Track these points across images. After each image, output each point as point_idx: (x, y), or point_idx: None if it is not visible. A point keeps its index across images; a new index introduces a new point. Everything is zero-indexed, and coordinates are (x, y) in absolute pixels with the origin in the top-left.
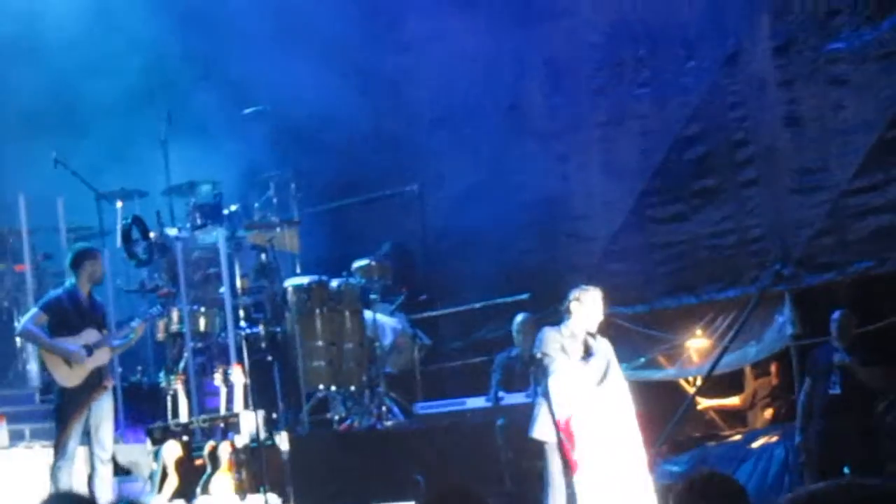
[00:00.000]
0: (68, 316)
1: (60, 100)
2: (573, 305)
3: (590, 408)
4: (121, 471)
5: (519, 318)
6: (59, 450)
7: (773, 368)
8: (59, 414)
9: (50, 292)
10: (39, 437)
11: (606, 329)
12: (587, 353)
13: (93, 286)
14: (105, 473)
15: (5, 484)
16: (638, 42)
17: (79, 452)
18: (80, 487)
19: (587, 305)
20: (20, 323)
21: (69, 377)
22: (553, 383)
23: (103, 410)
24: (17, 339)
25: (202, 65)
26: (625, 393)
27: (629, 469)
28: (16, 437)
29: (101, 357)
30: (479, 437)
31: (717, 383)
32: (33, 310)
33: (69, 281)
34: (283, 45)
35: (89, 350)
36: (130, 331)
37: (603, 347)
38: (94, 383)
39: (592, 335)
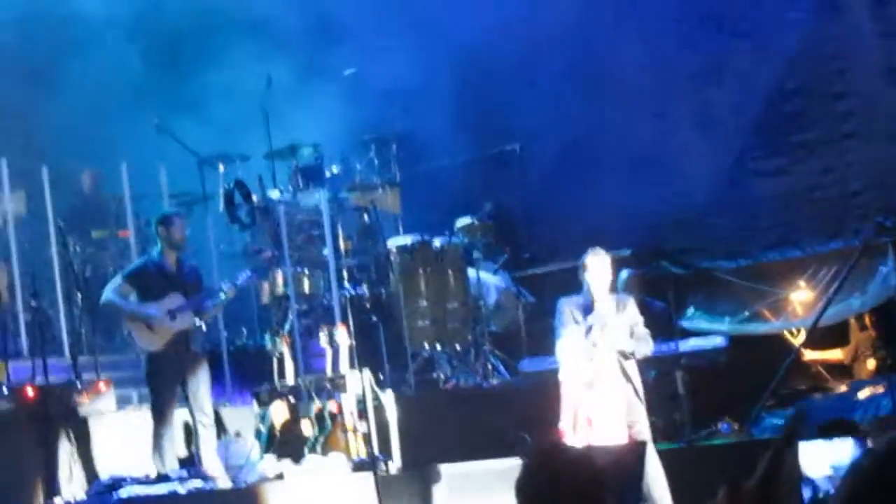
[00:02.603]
0: (152, 282)
1: (162, 66)
2: (581, 272)
3: (583, 377)
4: (228, 433)
5: (623, 274)
6: (157, 415)
7: (867, 321)
8: (151, 380)
9: (135, 261)
10: (146, 402)
11: (709, 283)
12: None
13: (178, 251)
14: (208, 437)
15: (114, 448)
16: None
17: (183, 416)
18: (182, 452)
19: (591, 270)
20: (105, 293)
21: (152, 341)
22: (557, 351)
23: (199, 376)
24: None
25: (301, 27)
26: (630, 359)
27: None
28: (123, 402)
29: (186, 321)
30: None
31: (822, 337)
32: (117, 280)
33: (155, 248)
34: (381, 6)
35: (172, 314)
36: (220, 294)
37: (606, 311)
38: (180, 347)
39: (612, 298)
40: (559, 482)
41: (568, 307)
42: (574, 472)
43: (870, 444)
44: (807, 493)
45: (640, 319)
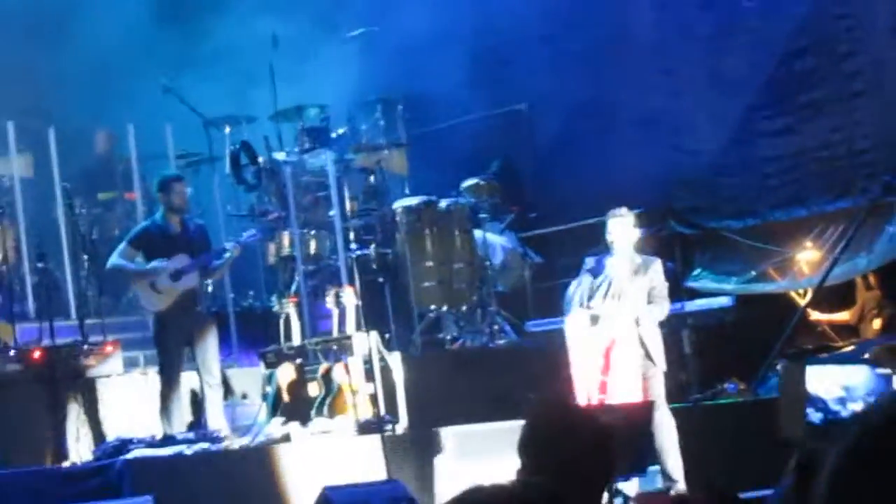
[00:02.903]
0: (156, 244)
1: (169, 26)
2: (606, 233)
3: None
4: (235, 395)
5: None
6: (164, 375)
7: (872, 280)
8: (158, 340)
9: (139, 224)
10: (153, 364)
11: (716, 243)
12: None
13: (179, 214)
14: (214, 398)
15: (121, 409)
16: None
17: (190, 378)
18: (189, 413)
19: (611, 232)
20: (111, 258)
21: (158, 302)
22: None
23: (206, 336)
24: None
25: None
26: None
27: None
28: (130, 364)
29: (191, 280)
30: None
31: (829, 297)
32: (122, 244)
33: (158, 210)
34: None
35: (177, 274)
36: (225, 253)
37: (618, 274)
38: (186, 306)
39: (633, 260)
40: (561, 439)
41: (574, 287)
42: (578, 429)
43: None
44: (818, 416)
45: (659, 282)
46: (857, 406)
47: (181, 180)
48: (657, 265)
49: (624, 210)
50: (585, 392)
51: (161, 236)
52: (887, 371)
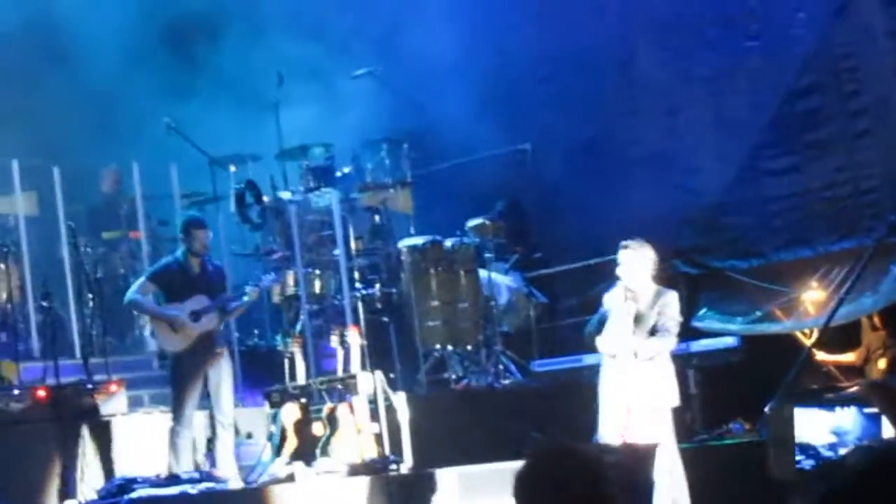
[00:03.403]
0: (176, 283)
1: (174, 66)
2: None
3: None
4: (240, 434)
5: None
6: (177, 415)
7: (877, 321)
8: (174, 379)
9: (161, 260)
10: (158, 403)
11: (721, 283)
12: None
13: (199, 256)
14: (226, 438)
15: (126, 449)
16: None
17: (200, 418)
18: (200, 452)
19: (620, 264)
20: (128, 292)
21: (176, 342)
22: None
23: (221, 376)
24: None
25: (312, 26)
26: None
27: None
28: (135, 403)
29: (210, 322)
30: (597, 395)
31: (834, 338)
32: (141, 279)
33: (181, 248)
34: (392, 5)
35: (196, 315)
36: (243, 296)
37: (622, 304)
38: (204, 348)
39: (648, 290)
40: (557, 484)
41: (607, 304)
42: (575, 475)
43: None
44: (809, 463)
45: (666, 315)
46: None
47: (203, 227)
48: (667, 297)
49: (630, 241)
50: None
51: (181, 274)
52: (874, 410)
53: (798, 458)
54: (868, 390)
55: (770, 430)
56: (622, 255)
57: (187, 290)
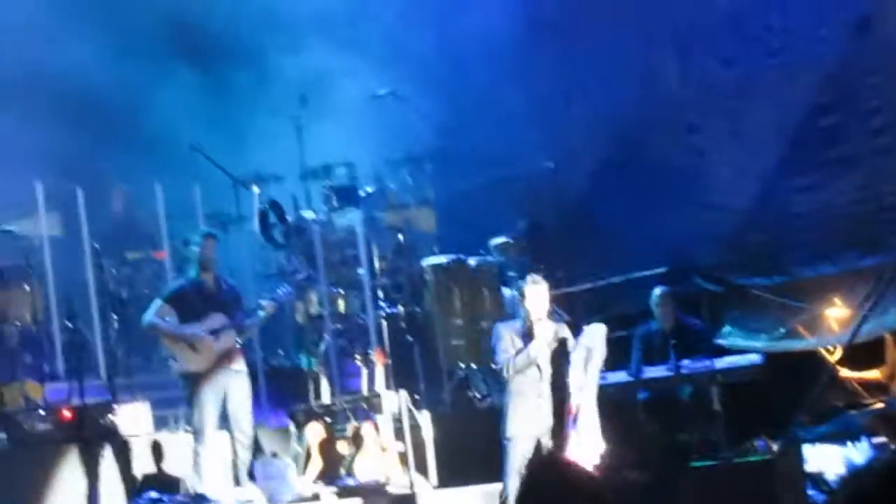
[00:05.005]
0: (191, 302)
1: (198, 86)
2: (519, 300)
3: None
4: (264, 453)
5: (658, 291)
6: (197, 435)
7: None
8: (192, 398)
9: (173, 282)
10: (183, 423)
11: (745, 300)
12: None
13: (209, 270)
14: (245, 458)
15: (151, 468)
16: (769, 11)
17: (223, 436)
18: (223, 472)
19: (528, 298)
20: (144, 315)
21: (196, 361)
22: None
23: (240, 394)
24: None
25: (335, 46)
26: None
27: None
28: (160, 423)
29: (228, 340)
30: (620, 412)
31: (859, 355)
32: (157, 302)
33: (192, 269)
34: (411, 25)
35: (216, 333)
36: (259, 311)
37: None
38: (222, 365)
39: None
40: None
41: (507, 332)
42: (572, 491)
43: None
44: (821, 498)
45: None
46: None
47: (213, 238)
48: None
49: (538, 277)
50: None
51: (196, 295)
52: (883, 440)
53: (810, 492)
54: (875, 422)
55: (778, 467)
56: (536, 291)
57: (204, 309)
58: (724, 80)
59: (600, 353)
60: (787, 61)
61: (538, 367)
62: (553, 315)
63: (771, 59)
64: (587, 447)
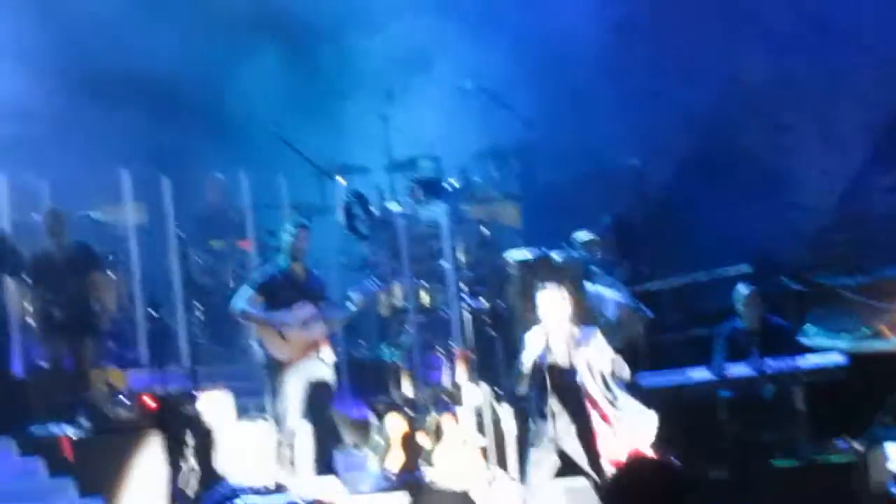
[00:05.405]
0: (281, 291)
1: (284, 79)
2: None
3: None
4: (346, 444)
5: (745, 290)
6: (281, 423)
7: None
8: (277, 388)
9: (262, 269)
10: (265, 411)
11: (828, 299)
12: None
13: (299, 260)
14: (317, 448)
15: (233, 457)
16: (858, 10)
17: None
18: (304, 461)
19: (540, 307)
20: (233, 302)
21: (284, 350)
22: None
23: (323, 386)
24: None
25: (419, 42)
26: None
27: None
28: (241, 412)
29: (316, 330)
30: (702, 410)
31: None
32: (248, 290)
33: (282, 258)
34: (500, 18)
35: (305, 323)
36: (349, 305)
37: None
38: (310, 356)
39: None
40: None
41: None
42: (654, 486)
43: None
44: None
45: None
46: None
47: (307, 229)
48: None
49: (551, 284)
50: None
51: (287, 283)
52: None
53: (893, 491)
54: None
55: (859, 467)
56: (549, 299)
57: (293, 298)
58: (811, 78)
59: (602, 356)
60: (875, 61)
61: (551, 375)
62: (633, 312)
63: (858, 57)
64: (625, 440)
